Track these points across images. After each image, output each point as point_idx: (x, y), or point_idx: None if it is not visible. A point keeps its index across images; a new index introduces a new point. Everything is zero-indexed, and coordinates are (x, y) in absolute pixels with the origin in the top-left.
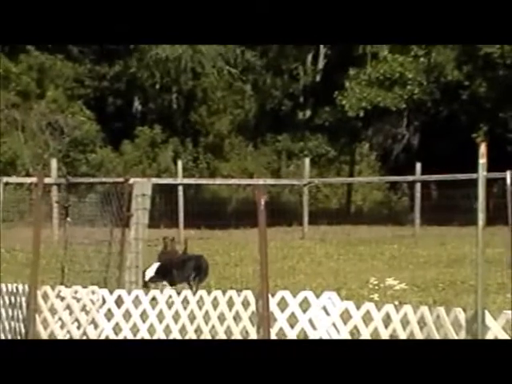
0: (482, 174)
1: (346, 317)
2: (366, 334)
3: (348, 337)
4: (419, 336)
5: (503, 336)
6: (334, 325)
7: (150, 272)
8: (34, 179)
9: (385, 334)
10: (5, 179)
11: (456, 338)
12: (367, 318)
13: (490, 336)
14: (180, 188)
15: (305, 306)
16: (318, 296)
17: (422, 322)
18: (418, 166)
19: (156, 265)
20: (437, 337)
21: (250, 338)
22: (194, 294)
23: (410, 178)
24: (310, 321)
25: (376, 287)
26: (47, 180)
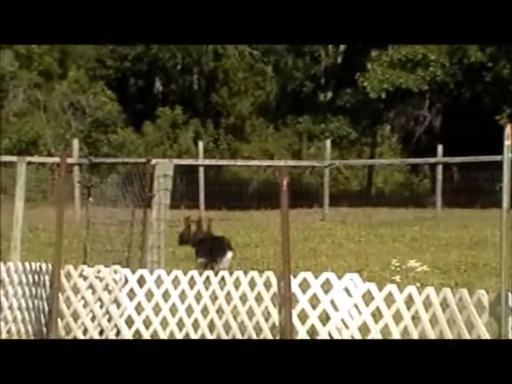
0: (507, 155)
1: (367, 298)
2: (388, 316)
3: (370, 318)
4: (442, 318)
5: None
6: (355, 306)
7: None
8: (56, 159)
9: (407, 316)
10: (27, 159)
11: (479, 320)
12: (389, 300)
13: None
14: (201, 169)
15: (326, 287)
16: (339, 277)
17: (444, 304)
18: (440, 148)
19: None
20: (459, 318)
21: (271, 318)
22: (216, 274)
23: (431, 160)
24: (332, 302)
25: (398, 269)
26: (69, 160)
